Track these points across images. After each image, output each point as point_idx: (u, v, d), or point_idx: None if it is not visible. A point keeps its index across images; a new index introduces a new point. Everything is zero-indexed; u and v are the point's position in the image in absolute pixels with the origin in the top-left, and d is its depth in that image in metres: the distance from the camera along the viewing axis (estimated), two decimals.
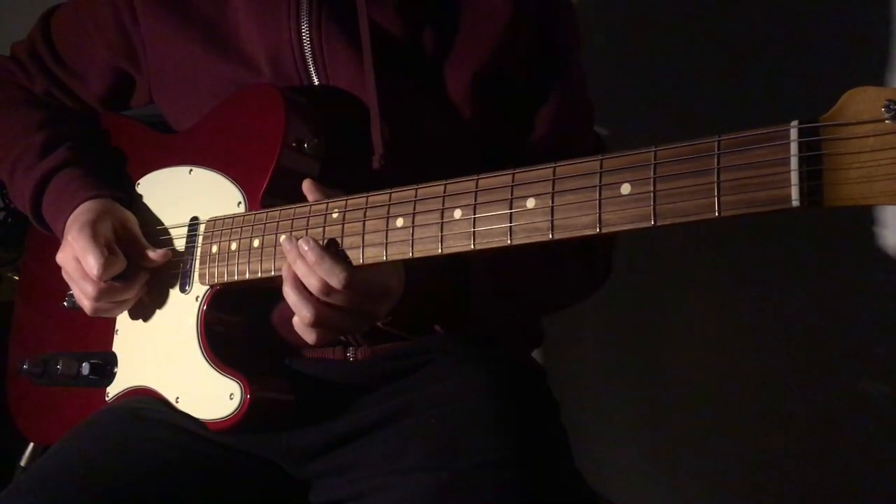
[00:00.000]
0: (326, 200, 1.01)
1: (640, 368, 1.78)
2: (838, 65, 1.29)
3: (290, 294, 0.98)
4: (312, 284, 0.96)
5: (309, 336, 1.00)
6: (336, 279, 0.94)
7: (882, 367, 1.31)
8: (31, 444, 1.39)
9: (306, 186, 1.03)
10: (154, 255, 1.17)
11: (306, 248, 0.96)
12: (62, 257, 1.17)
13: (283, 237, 1.01)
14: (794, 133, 0.69)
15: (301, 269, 0.97)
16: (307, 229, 1.01)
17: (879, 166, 0.66)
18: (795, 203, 0.68)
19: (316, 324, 0.97)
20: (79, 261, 1.14)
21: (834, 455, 1.41)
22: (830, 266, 1.38)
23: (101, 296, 1.15)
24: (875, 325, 1.32)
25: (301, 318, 0.98)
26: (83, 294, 1.16)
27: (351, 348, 1.17)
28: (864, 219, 1.30)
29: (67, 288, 1.29)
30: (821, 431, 1.43)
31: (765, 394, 1.52)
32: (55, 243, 1.20)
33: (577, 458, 1.12)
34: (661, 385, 1.74)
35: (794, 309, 1.45)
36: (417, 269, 1.02)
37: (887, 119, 0.65)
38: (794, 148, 0.68)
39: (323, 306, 0.97)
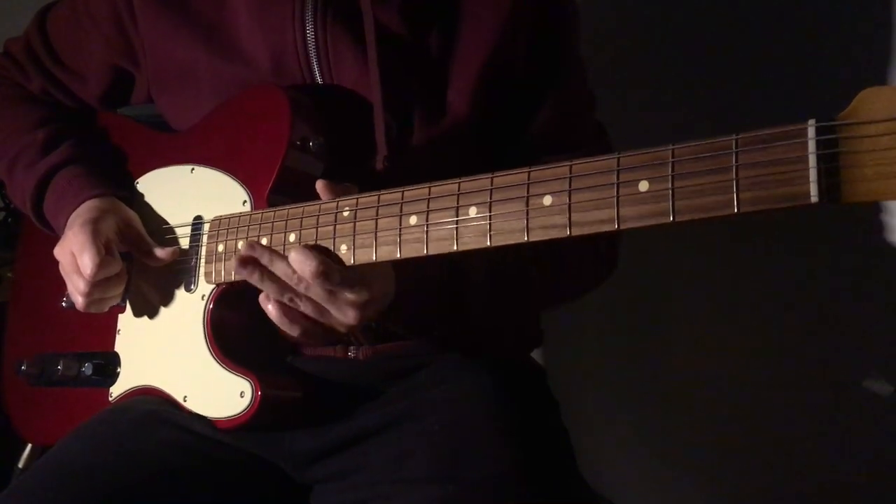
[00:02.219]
0: (336, 199, 1.01)
1: (640, 368, 1.79)
2: (849, 64, 1.31)
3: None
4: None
5: (292, 329, 0.99)
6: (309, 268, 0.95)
7: (882, 367, 1.34)
8: (30, 446, 1.37)
9: (320, 187, 1.02)
10: (162, 253, 1.17)
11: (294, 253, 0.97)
12: (59, 251, 1.17)
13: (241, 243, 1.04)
14: (811, 131, 0.70)
15: (280, 268, 0.98)
16: (317, 227, 1.01)
17: (894, 164, 0.68)
18: (814, 199, 0.70)
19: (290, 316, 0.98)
20: (75, 256, 1.13)
21: (834, 455, 1.43)
22: (830, 266, 1.39)
23: (92, 291, 1.14)
24: (875, 325, 1.35)
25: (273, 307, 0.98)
26: (75, 289, 1.16)
27: (353, 347, 1.18)
28: (865, 219, 1.32)
29: (65, 288, 1.29)
30: (821, 431, 1.44)
31: (765, 394, 1.54)
32: (51, 243, 1.19)
33: (577, 458, 1.13)
34: (661, 385, 1.75)
35: (795, 309, 1.47)
36: (409, 272, 1.02)
37: None
38: (812, 146, 0.70)
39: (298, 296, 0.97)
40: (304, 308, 0.97)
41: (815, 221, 1.35)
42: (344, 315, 0.97)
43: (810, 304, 1.45)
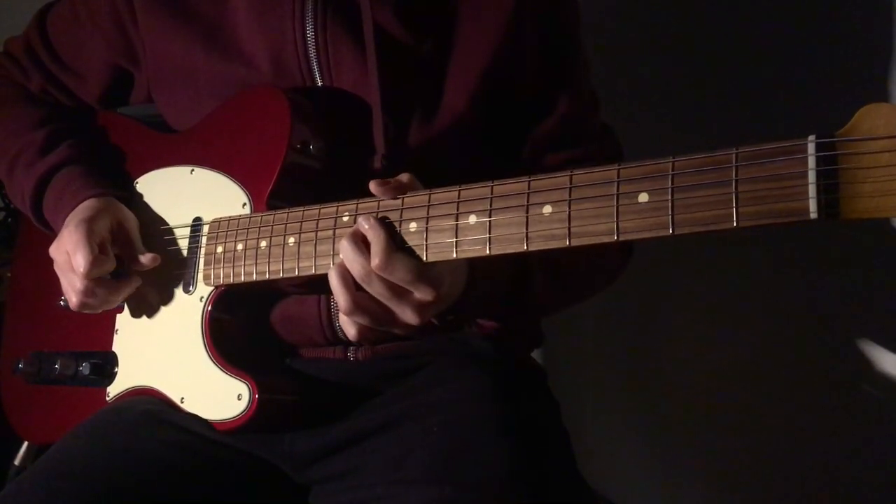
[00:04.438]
0: (336, 204, 1.01)
1: (640, 368, 1.79)
2: (851, 79, 1.31)
3: (332, 278, 0.96)
4: (356, 270, 0.94)
5: (349, 329, 0.98)
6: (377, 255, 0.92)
7: (882, 367, 1.34)
8: (26, 444, 1.37)
9: (373, 186, 0.97)
10: (144, 258, 1.17)
11: (366, 225, 0.95)
12: (54, 250, 1.17)
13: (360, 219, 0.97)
14: (811, 147, 0.71)
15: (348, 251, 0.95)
16: (317, 231, 1.02)
17: (893, 181, 0.68)
18: (813, 215, 0.70)
19: (352, 311, 0.95)
20: (69, 255, 1.13)
21: (834, 455, 1.43)
22: (830, 266, 1.40)
23: (87, 292, 1.14)
24: (875, 325, 1.35)
25: (339, 306, 0.96)
26: (70, 287, 1.16)
27: (352, 348, 1.18)
28: (866, 222, 1.32)
29: None
30: (820, 431, 1.45)
31: (764, 393, 1.54)
32: (50, 242, 1.19)
33: (577, 458, 1.12)
34: (661, 385, 1.76)
35: (795, 309, 1.47)
36: (482, 269, 1.01)
37: None
38: (811, 162, 0.71)
39: (358, 293, 0.95)
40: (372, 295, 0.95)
41: (816, 224, 1.35)
42: (403, 314, 0.96)
43: (810, 304, 1.45)
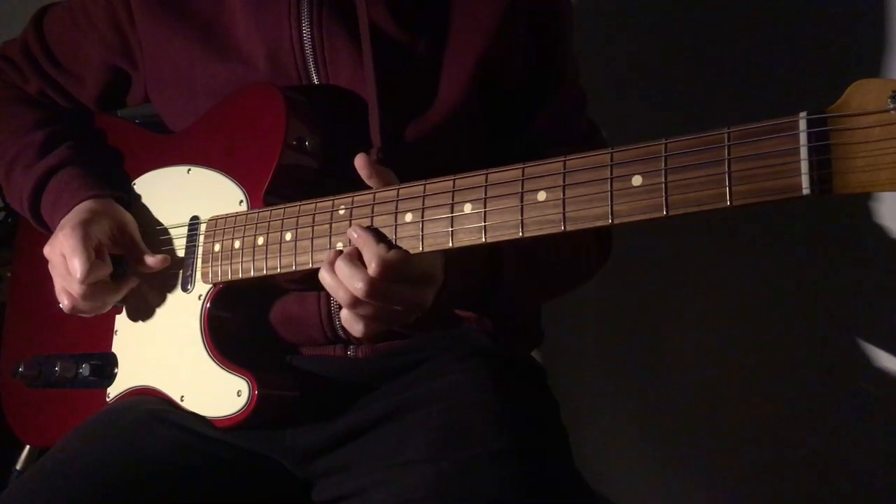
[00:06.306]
0: (332, 197, 1.02)
1: (640, 368, 1.78)
2: (840, 56, 1.32)
3: (325, 277, 0.96)
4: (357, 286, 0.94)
5: (355, 327, 0.97)
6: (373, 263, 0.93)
7: (882, 367, 1.34)
8: (27, 448, 1.37)
9: (360, 162, 0.99)
10: (152, 260, 1.17)
11: (355, 235, 0.96)
12: (49, 251, 1.17)
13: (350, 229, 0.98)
14: (803, 124, 0.71)
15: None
16: (313, 226, 1.02)
17: (885, 155, 0.68)
18: (806, 191, 0.70)
19: (356, 306, 0.95)
20: (65, 258, 1.13)
21: (833, 454, 1.43)
22: (831, 265, 1.40)
23: (84, 296, 1.14)
24: (875, 324, 1.35)
25: (340, 301, 0.96)
26: (66, 291, 1.16)
27: (352, 346, 1.18)
28: (864, 216, 1.32)
29: None
30: (820, 431, 1.44)
31: (764, 393, 1.54)
32: None
33: (577, 458, 1.12)
34: (661, 385, 1.75)
35: (795, 309, 1.47)
36: (454, 257, 1.01)
37: (892, 110, 0.68)
38: (803, 138, 0.71)
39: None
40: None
41: (815, 218, 1.35)
42: (409, 310, 0.97)
43: (811, 304, 1.44)
